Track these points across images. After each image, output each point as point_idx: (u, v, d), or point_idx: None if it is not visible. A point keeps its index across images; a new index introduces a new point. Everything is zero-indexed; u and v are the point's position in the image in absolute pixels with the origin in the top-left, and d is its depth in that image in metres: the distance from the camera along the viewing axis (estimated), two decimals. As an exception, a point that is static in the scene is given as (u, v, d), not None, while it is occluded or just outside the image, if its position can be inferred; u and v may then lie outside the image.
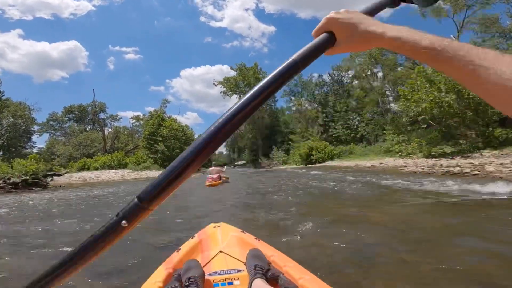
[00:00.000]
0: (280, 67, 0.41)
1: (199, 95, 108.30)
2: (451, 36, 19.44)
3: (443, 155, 14.25)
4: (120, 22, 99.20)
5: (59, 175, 17.84)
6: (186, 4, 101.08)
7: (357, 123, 34.97)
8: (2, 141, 31.90)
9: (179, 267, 1.18)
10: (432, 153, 14.75)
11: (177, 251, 1.38)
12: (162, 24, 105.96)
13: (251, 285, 0.99)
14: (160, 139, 30.30)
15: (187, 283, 1.00)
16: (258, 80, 47.29)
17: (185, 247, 1.42)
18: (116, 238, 0.35)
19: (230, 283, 1.09)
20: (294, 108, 47.82)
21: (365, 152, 26.08)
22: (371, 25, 0.42)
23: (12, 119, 32.56)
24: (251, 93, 0.38)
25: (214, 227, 1.65)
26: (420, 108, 15.53)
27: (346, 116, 35.69)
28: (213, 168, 11.98)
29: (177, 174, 0.35)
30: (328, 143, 27.59)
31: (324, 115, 38.31)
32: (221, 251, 1.35)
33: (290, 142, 36.37)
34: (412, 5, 0.56)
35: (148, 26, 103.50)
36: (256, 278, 1.01)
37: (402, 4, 0.54)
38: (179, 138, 31.38)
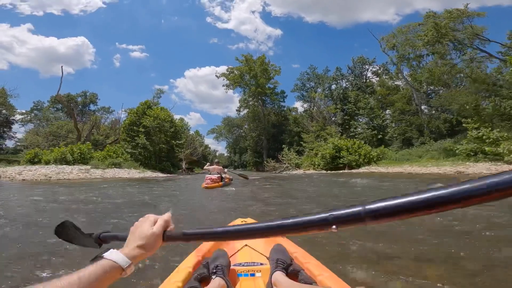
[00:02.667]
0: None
1: (203, 96, 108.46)
2: None
3: None
4: (128, 19, 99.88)
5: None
6: (194, 4, 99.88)
7: (387, 122, 28.70)
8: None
9: (207, 256, 1.28)
10: None
11: None
12: (169, 23, 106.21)
13: (271, 277, 1.04)
14: (142, 130, 24.17)
15: (214, 270, 1.08)
16: (266, 72, 41.95)
17: None
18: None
19: (252, 275, 1.16)
20: (305, 106, 41.76)
21: (403, 156, 19.79)
22: None
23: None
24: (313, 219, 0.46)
25: (242, 221, 1.75)
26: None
27: (372, 113, 29.40)
28: (214, 166, 9.81)
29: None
30: (362, 142, 21.14)
31: (344, 112, 32.11)
32: (246, 245, 1.43)
33: (302, 143, 30.13)
34: None
35: (155, 25, 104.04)
36: (276, 271, 1.06)
37: None
38: (165, 131, 25.17)
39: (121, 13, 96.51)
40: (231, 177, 10.72)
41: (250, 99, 42.98)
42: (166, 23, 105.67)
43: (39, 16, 74.40)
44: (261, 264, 1.23)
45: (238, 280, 1.15)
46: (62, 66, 51.02)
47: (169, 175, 22.77)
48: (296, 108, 45.32)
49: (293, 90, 43.42)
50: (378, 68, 36.65)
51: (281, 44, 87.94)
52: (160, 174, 21.47)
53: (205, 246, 1.39)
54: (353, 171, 17.65)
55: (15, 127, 40.96)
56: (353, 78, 36.22)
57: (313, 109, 36.37)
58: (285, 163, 27.07)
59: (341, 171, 18.45)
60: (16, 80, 76.88)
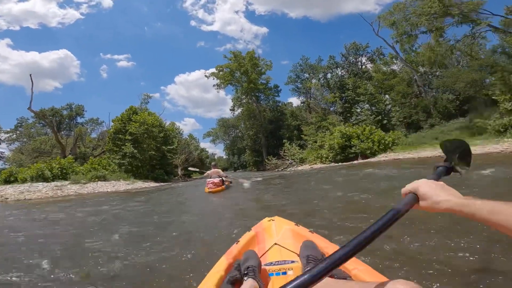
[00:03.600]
0: (387, 215, 0.60)
1: (195, 101, 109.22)
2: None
3: None
4: (109, 29, 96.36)
5: None
6: (176, 9, 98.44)
7: (389, 106, 27.01)
8: None
9: (238, 258, 1.28)
10: None
11: (236, 243, 1.46)
12: (153, 30, 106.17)
13: None
14: (130, 137, 22.20)
15: (245, 272, 1.06)
16: (256, 67, 40.07)
17: (243, 240, 1.50)
18: None
19: (284, 273, 1.13)
20: (301, 98, 39.98)
21: (418, 139, 18.03)
22: (439, 197, 0.63)
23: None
24: (361, 239, 0.55)
25: (269, 220, 1.70)
26: None
27: (373, 99, 27.70)
28: (213, 170, 9.27)
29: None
30: (373, 127, 19.23)
31: (343, 101, 30.37)
32: (276, 243, 1.39)
33: (303, 136, 28.31)
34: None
35: (139, 33, 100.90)
36: (308, 267, 1.05)
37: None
38: (154, 136, 23.22)
39: (101, 23, 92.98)
40: (230, 180, 10.11)
41: (243, 96, 41.18)
42: (150, 30, 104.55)
43: (16, 31, 70.96)
44: (292, 261, 1.20)
45: (270, 280, 1.12)
46: (30, 75, 48.61)
47: (162, 183, 20.89)
48: (291, 103, 43.61)
49: (287, 83, 41.58)
50: (372, 53, 35.12)
51: (268, 41, 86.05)
52: (153, 184, 19.56)
53: (235, 248, 1.39)
54: (370, 160, 15.73)
55: (3, 146, 39.03)
56: (348, 65, 34.51)
57: (310, 100, 34.58)
58: (288, 159, 25.15)
59: (355, 162, 16.48)
60: (2, 98, 74.09)
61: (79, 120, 50.80)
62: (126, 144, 21.63)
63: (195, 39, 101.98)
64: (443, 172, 0.79)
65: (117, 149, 22.31)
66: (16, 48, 74.86)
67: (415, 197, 0.66)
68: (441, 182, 0.69)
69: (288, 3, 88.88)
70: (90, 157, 23.50)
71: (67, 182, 15.28)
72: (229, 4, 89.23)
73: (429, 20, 19.58)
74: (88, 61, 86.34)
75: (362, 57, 35.44)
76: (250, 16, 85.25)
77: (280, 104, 41.91)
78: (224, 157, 62.58)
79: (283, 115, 39.31)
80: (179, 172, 28.61)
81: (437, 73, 28.68)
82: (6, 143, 41.69)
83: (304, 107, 35.11)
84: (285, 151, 26.05)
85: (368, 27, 27.95)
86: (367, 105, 27.92)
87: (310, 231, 1.49)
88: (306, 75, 40.54)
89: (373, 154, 16.94)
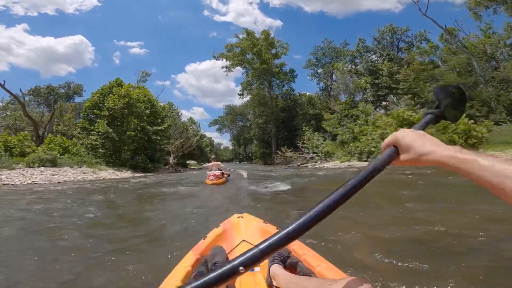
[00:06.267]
0: (364, 171, 0.51)
1: (205, 90, 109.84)
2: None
3: None
4: (124, 16, 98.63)
5: None
6: None
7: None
8: None
9: (205, 254, 1.25)
10: None
11: (204, 239, 1.43)
12: (167, 18, 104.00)
13: (269, 271, 1.03)
14: (107, 113, 17.37)
15: (212, 268, 1.05)
16: (271, 46, 34.53)
17: (211, 236, 1.48)
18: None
19: (252, 270, 1.04)
20: (321, 85, 34.45)
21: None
22: (425, 147, 0.51)
23: None
24: (336, 195, 0.46)
25: (238, 217, 1.68)
26: None
27: (416, 87, 22.07)
28: (213, 163, 9.04)
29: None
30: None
31: (375, 88, 24.79)
32: (244, 240, 1.39)
33: (324, 126, 23.03)
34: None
35: (153, 20, 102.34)
36: (273, 264, 1.04)
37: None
38: (138, 114, 18.32)
39: (117, 10, 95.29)
40: (228, 173, 9.58)
41: (254, 80, 35.89)
42: (164, 18, 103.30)
43: (34, 17, 73.24)
44: None
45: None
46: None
47: (144, 174, 16.12)
48: (306, 94, 38.06)
49: (305, 66, 36.11)
50: (413, 37, 29.46)
51: (282, 35, 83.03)
52: (124, 175, 14.73)
53: (203, 244, 1.37)
54: None
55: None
56: (381, 49, 28.78)
57: (331, 86, 29.13)
58: (308, 152, 19.88)
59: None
60: (17, 81, 74.80)
61: (77, 99, 46.69)
62: (98, 120, 16.82)
63: (208, 29, 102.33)
64: (432, 119, 0.68)
65: (91, 127, 17.54)
66: (32, 34, 77.92)
67: (396, 150, 0.55)
68: (422, 131, 0.57)
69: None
70: (48, 135, 18.79)
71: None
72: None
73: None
74: (102, 47, 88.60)
75: (400, 41, 29.90)
76: (264, 8, 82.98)
77: (295, 93, 36.56)
78: (230, 147, 58.28)
79: (297, 105, 34.01)
80: (171, 160, 23.75)
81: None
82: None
83: (324, 94, 29.64)
84: (304, 141, 20.77)
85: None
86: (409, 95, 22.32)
87: (277, 229, 1.14)
88: (328, 59, 34.99)
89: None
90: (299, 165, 19.17)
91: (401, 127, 12.86)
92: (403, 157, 0.55)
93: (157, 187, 8.64)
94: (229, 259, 0.95)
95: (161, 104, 24.95)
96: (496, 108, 19.27)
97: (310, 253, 1.19)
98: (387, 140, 0.58)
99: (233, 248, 1.35)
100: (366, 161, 15.53)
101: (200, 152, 39.22)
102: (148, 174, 16.42)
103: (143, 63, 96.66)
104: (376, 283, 1.57)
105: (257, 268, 1.14)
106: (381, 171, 0.52)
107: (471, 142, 12.31)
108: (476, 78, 21.97)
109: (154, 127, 19.06)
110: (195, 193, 6.80)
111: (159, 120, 20.17)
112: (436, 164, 0.50)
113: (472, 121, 12.97)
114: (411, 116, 14.24)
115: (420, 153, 0.51)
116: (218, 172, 8.35)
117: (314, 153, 19.16)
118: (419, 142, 0.52)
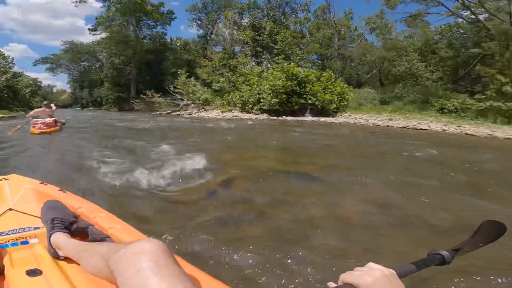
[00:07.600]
0: None
1: (34, 26, 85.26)
2: None
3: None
4: None
5: None
6: None
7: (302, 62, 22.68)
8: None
9: None
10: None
11: None
12: None
13: (49, 241, 0.84)
14: None
15: None
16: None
17: None
18: None
19: (26, 242, 0.91)
20: (201, 32, 30.53)
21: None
22: None
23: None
24: None
25: (0, 180, 1.33)
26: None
27: (288, 50, 22.74)
28: (43, 109, 7.57)
29: None
30: (332, 74, 13.64)
31: (255, 44, 23.74)
32: (10, 209, 1.07)
33: (197, 72, 19.85)
34: None
35: None
36: (54, 232, 0.85)
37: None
38: None
39: None
40: (63, 120, 8.36)
41: (118, 15, 27.45)
42: None
43: None
44: (36, 228, 0.94)
45: (6, 252, 0.86)
46: None
47: None
48: (181, 38, 33.17)
49: (188, 9, 30.91)
50: (298, 5, 30.66)
51: None
52: None
53: None
54: (329, 120, 10.89)
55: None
56: (269, 9, 28.18)
57: (213, 34, 26.08)
58: (182, 99, 16.39)
59: (307, 119, 11.33)
60: None
61: None
62: None
63: None
64: (435, 262, 0.54)
65: None
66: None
67: None
68: (400, 282, 0.45)
69: None
70: None
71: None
72: None
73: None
74: None
75: (287, 6, 30.32)
76: None
77: (166, 38, 30.83)
78: (68, 90, 44.70)
79: (168, 49, 28.70)
80: None
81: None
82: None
83: (202, 42, 26.16)
84: (179, 86, 16.91)
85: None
86: (282, 56, 22.60)
87: (60, 190, 1.23)
88: (215, 7, 31.25)
89: (333, 112, 11.86)
90: (168, 113, 15.59)
91: (290, 80, 11.65)
92: None
93: None
94: None
95: None
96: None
97: (103, 215, 1.04)
98: (347, 276, 0.45)
99: None
100: (250, 112, 14.14)
101: (14, 95, 26.44)
102: None
103: None
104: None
105: (33, 240, 0.91)
106: None
107: (344, 103, 13.27)
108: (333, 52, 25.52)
109: None
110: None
111: None
112: None
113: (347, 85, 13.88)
114: (299, 72, 13.73)
115: None
116: (49, 120, 7.23)
117: (190, 100, 15.91)
118: None
